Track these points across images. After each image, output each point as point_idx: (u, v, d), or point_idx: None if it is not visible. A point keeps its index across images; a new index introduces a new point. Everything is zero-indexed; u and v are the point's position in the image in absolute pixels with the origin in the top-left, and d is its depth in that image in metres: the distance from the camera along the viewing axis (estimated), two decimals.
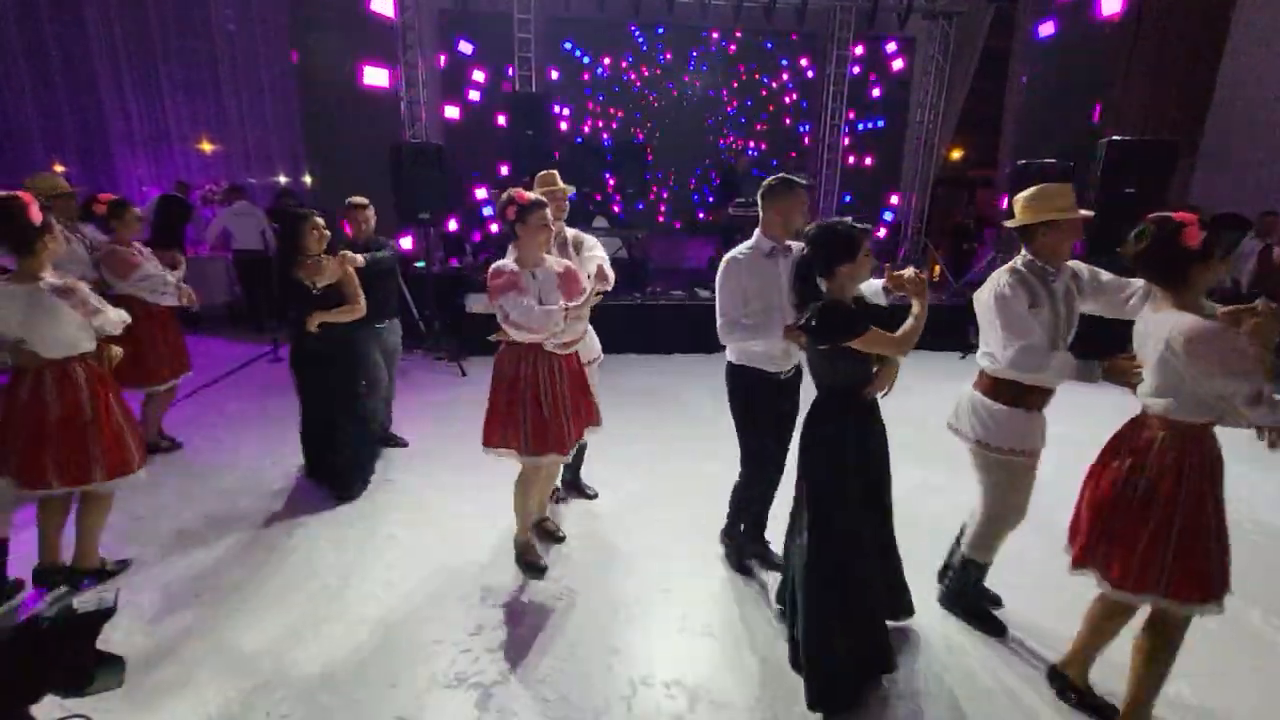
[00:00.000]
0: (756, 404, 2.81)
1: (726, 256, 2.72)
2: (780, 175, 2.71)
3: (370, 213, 4.04)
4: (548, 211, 2.72)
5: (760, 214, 2.73)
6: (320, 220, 3.41)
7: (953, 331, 7.34)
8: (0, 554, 2.69)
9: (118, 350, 2.82)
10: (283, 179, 10.48)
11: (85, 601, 1.04)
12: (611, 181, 9.02)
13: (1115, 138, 6.56)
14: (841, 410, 2.29)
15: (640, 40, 10.04)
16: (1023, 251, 2.43)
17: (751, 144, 10.77)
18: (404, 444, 4.45)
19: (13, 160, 9.07)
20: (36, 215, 2.47)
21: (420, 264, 7.55)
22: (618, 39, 9.93)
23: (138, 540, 3.23)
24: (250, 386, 5.69)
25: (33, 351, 2.52)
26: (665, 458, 4.29)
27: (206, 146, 10.40)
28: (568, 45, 9.85)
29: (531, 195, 2.72)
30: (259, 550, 3.19)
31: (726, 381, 2.87)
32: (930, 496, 3.85)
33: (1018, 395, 2.44)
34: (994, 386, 2.49)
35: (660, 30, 9.86)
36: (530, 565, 3.05)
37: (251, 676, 2.38)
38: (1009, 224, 2.44)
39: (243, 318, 7.69)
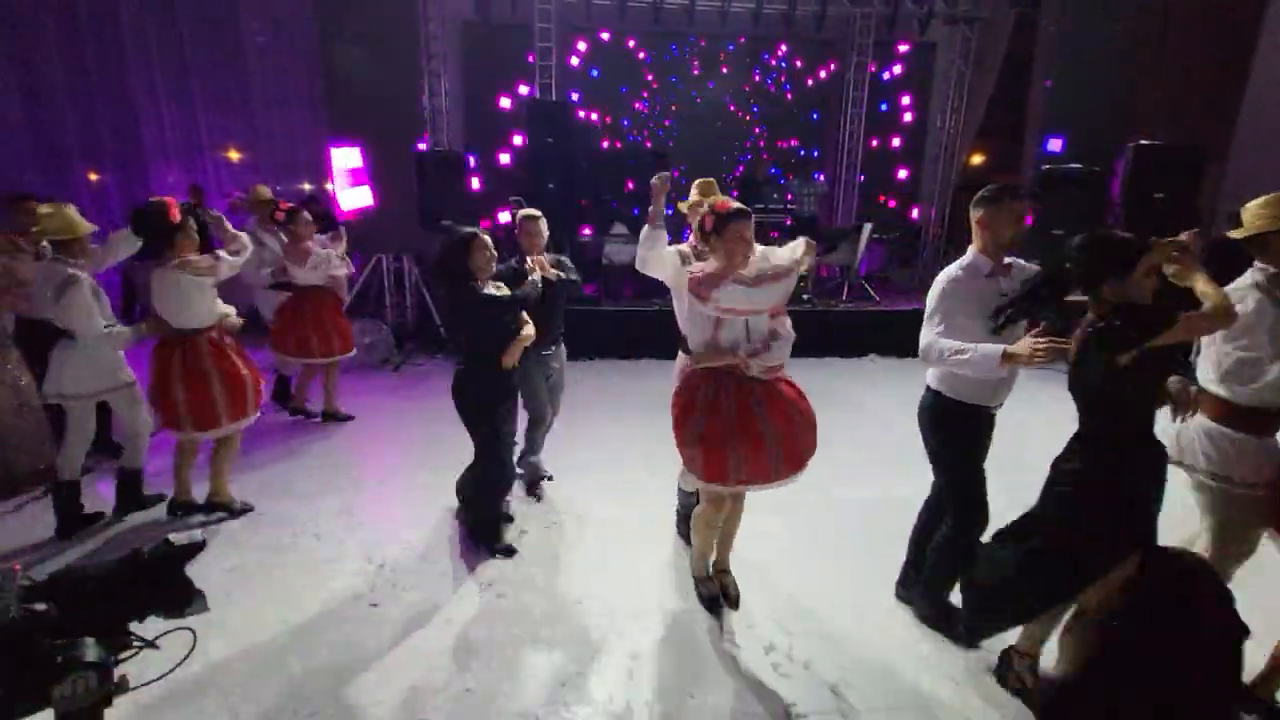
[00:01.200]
0: (975, 443, 2.51)
1: (945, 274, 2.45)
2: (997, 184, 2.44)
3: (544, 224, 3.55)
4: (750, 224, 2.49)
5: (973, 228, 2.45)
6: (488, 238, 3.02)
7: None
8: (137, 480, 3.57)
9: (235, 320, 3.52)
10: (307, 187, 10.70)
11: (179, 537, 1.19)
12: (631, 188, 9.08)
13: (1143, 143, 6.46)
14: (1125, 442, 1.99)
15: (657, 48, 10.10)
16: (1255, 264, 2.24)
17: (772, 149, 10.76)
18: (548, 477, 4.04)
19: (54, 169, 9.37)
20: (175, 215, 3.19)
21: None
22: (637, 45, 10.00)
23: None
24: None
25: (167, 323, 3.27)
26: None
27: (235, 155, 10.66)
28: (584, 49, 9.93)
29: (734, 204, 2.53)
30: (282, 550, 3.25)
31: (929, 418, 2.58)
32: None
33: (1254, 419, 2.17)
34: (1228, 411, 2.22)
35: (670, 41, 9.91)
36: (715, 598, 2.82)
37: (280, 672, 2.42)
38: (1237, 234, 2.26)
39: (263, 326, 7.84)
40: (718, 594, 2.84)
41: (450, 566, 3.14)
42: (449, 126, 8.46)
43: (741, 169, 10.40)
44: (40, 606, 0.87)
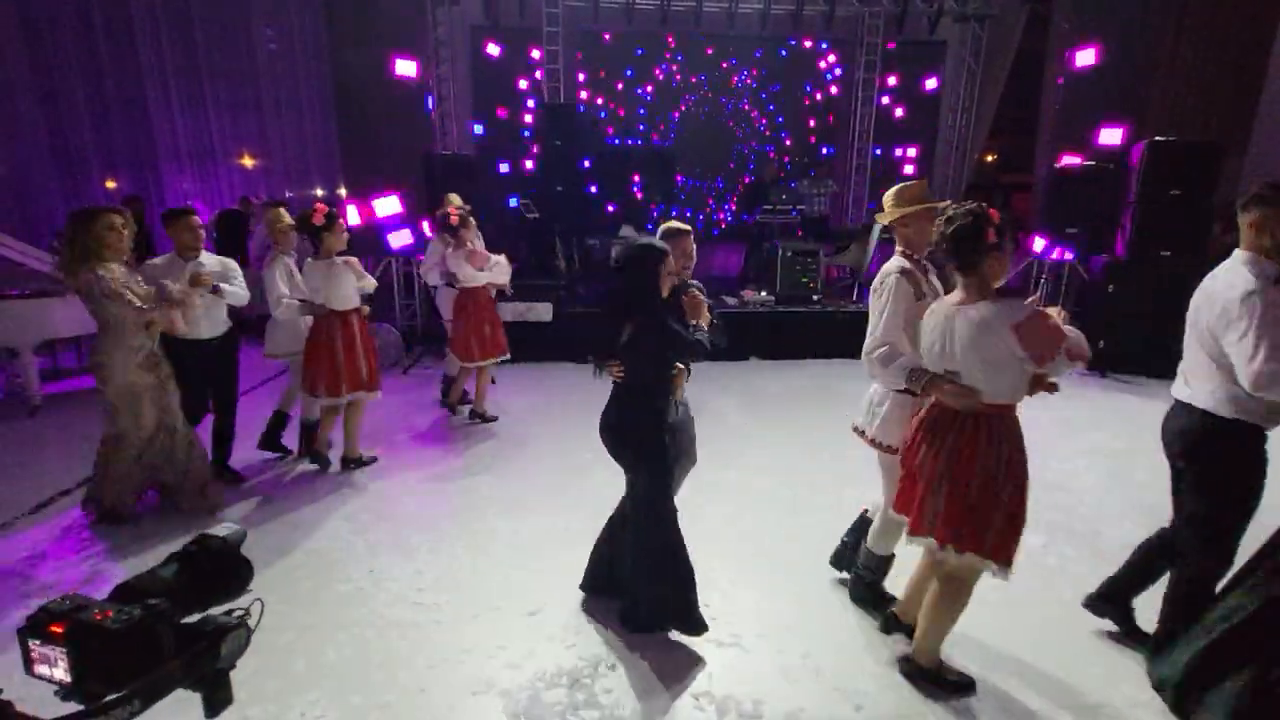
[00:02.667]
0: (1258, 474, 2.18)
1: (1246, 289, 2.07)
2: (1272, 183, 2.18)
3: (691, 240, 3.20)
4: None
5: (1243, 231, 2.22)
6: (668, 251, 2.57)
7: None
8: (280, 424, 4.42)
9: (366, 308, 4.22)
10: (319, 192, 10.81)
11: (220, 530, 1.36)
12: (638, 189, 9.08)
13: (1157, 139, 6.36)
14: None
15: (666, 48, 10.09)
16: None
17: (780, 149, 10.71)
18: None
19: (69, 174, 9.53)
20: (319, 219, 3.93)
21: None
22: (645, 47, 10.00)
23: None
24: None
25: (327, 306, 3.97)
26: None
27: (248, 161, 10.79)
28: (593, 64, 9.96)
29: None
30: (293, 551, 3.27)
31: (1211, 448, 2.22)
32: None
33: None
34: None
35: (679, 39, 9.90)
36: (956, 684, 2.37)
37: (285, 676, 2.43)
38: None
39: None
40: (964, 675, 2.40)
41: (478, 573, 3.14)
42: (458, 130, 8.50)
43: (751, 171, 10.36)
44: (154, 602, 1.04)
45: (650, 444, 2.54)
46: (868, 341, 2.49)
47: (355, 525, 3.55)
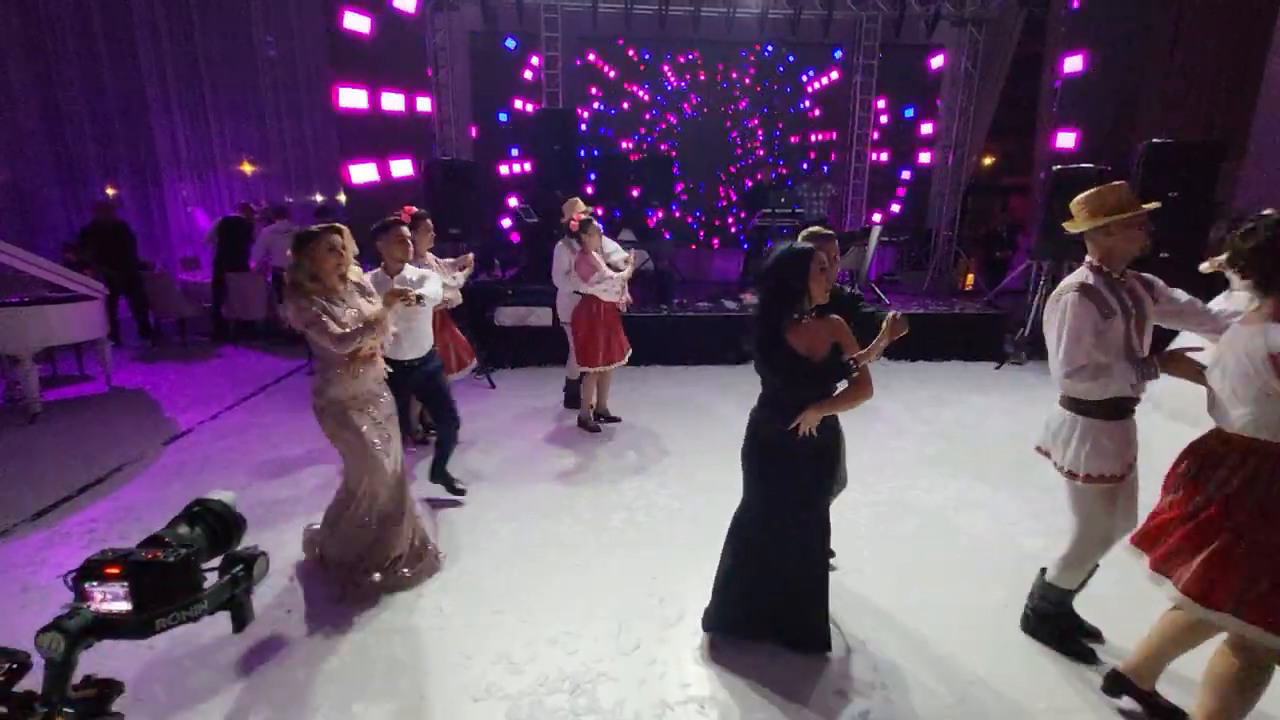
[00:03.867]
0: None
1: None
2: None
3: (835, 245, 3.02)
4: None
5: None
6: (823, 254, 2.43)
7: (988, 342, 7.18)
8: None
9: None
10: (319, 198, 10.84)
11: (215, 493, 1.65)
12: (637, 194, 9.09)
13: (1156, 140, 6.37)
14: None
15: (665, 53, 10.13)
16: None
17: (780, 154, 10.74)
18: None
19: (71, 181, 9.55)
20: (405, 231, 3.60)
21: None
22: (644, 52, 10.04)
23: None
24: (293, 396, 5.84)
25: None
26: (695, 470, 4.27)
27: (248, 168, 10.82)
28: (591, 58, 9.99)
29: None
30: (288, 559, 3.26)
31: None
32: (969, 511, 3.74)
33: None
34: None
35: (677, 48, 9.94)
36: None
37: (287, 684, 2.42)
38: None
39: (278, 332, 7.94)
40: None
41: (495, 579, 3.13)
42: (457, 136, 8.52)
43: (751, 175, 10.38)
44: (190, 544, 1.48)
45: (813, 461, 2.39)
46: (1054, 365, 2.30)
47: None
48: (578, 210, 5.01)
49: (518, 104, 9.61)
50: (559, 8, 8.64)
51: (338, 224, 2.83)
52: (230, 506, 1.60)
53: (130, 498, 3.90)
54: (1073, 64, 7.81)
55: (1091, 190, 2.32)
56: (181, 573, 1.36)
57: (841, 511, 3.71)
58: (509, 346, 6.71)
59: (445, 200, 6.55)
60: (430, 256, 4.25)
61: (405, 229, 3.54)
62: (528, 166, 9.55)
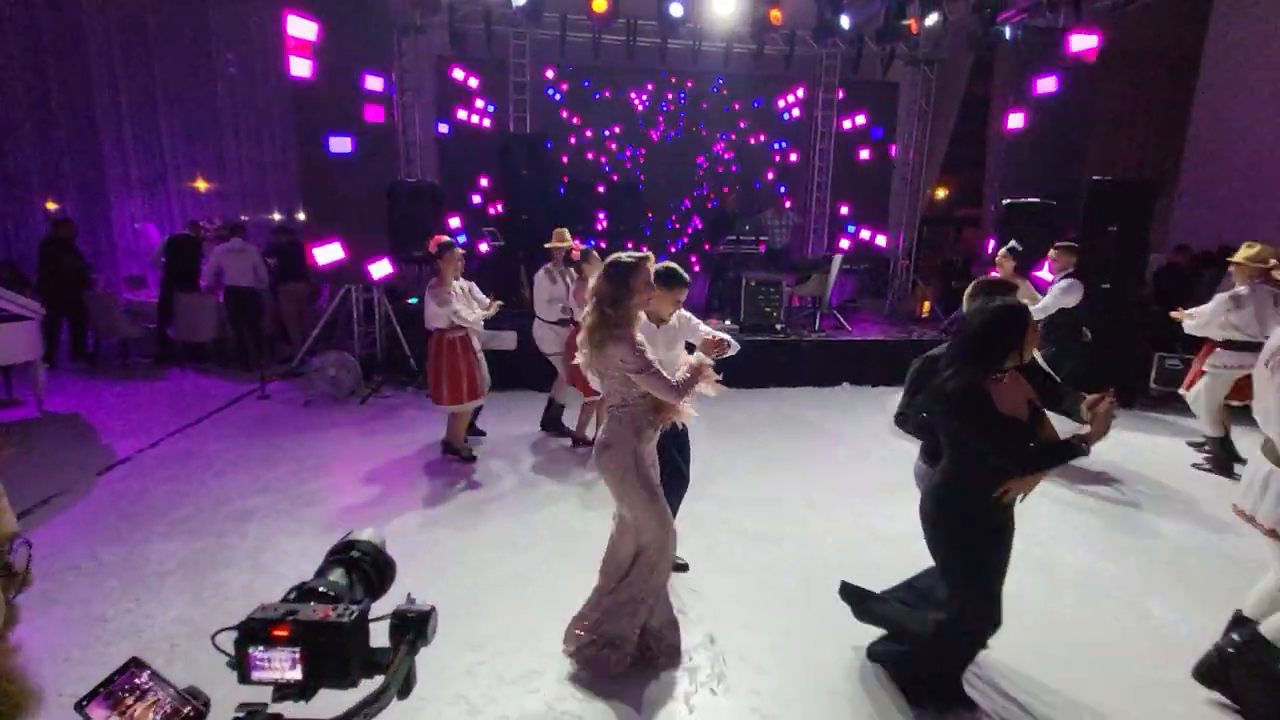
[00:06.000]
0: None
1: None
2: None
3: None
4: None
5: None
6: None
7: None
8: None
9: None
10: (276, 216, 10.56)
11: (365, 532, 1.42)
12: (604, 219, 9.14)
13: (1096, 178, 6.73)
14: None
15: (632, 85, 10.30)
16: None
17: (743, 182, 10.97)
18: None
19: (10, 198, 9.08)
20: (431, 247, 4.41)
21: (413, 300, 7.54)
22: (611, 82, 10.20)
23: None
24: (240, 422, 5.59)
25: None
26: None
27: (201, 185, 10.49)
28: (552, 93, 10.10)
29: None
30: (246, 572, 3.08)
31: None
32: None
33: None
34: None
35: (650, 83, 10.14)
36: None
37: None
38: None
39: (230, 355, 7.63)
40: None
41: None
42: (422, 158, 8.44)
43: (716, 203, 10.56)
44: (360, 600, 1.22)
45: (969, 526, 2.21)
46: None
47: (308, 563, 3.36)
48: (565, 239, 5.03)
49: (461, 114, 9.48)
50: (527, 34, 8.72)
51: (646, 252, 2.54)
52: (382, 550, 1.37)
53: (58, 535, 3.63)
54: (1014, 121, 8.27)
55: None
56: (356, 636, 1.08)
57: (806, 540, 3.72)
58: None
59: (407, 222, 6.45)
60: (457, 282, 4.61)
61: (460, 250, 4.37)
62: (485, 186, 9.50)
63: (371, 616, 1.15)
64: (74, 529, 3.70)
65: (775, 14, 7.27)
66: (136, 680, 0.99)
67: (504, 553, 3.52)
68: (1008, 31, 7.60)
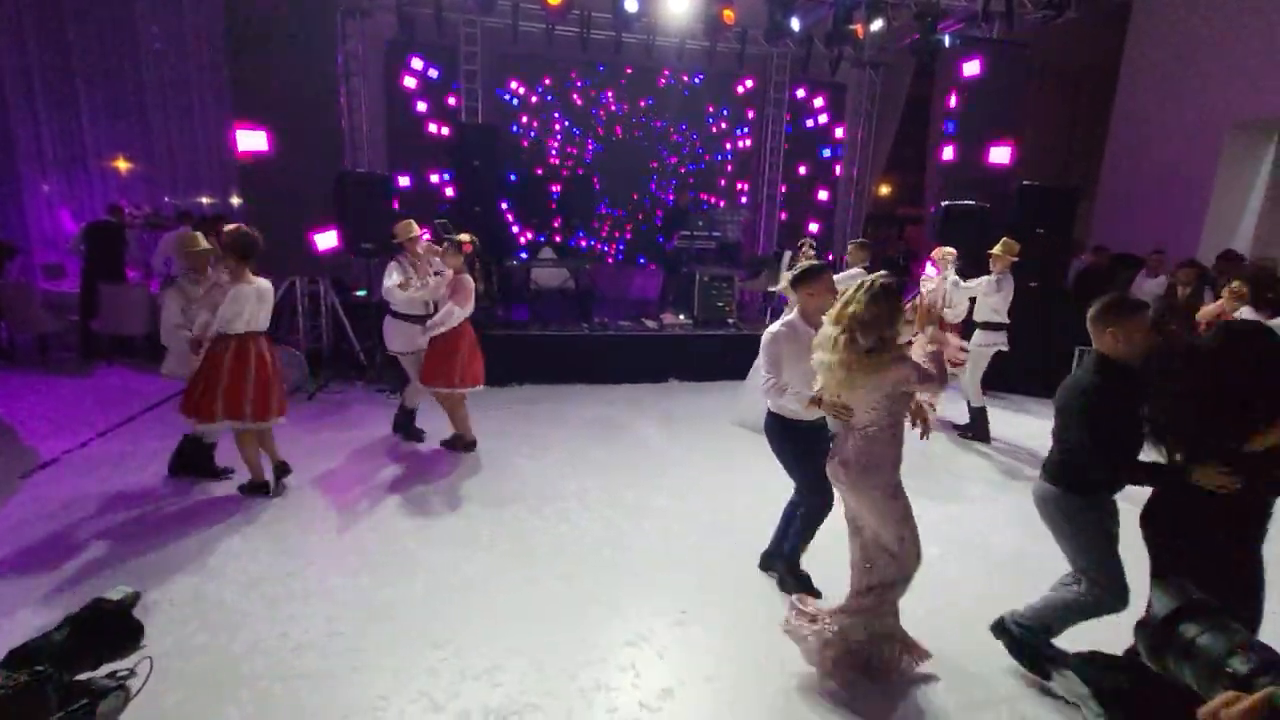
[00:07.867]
0: None
1: None
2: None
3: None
4: None
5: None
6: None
7: None
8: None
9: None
10: (205, 200, 10.01)
11: (113, 594, 1.54)
12: (556, 211, 9.09)
13: (1025, 183, 7.15)
14: None
15: (586, 77, 10.24)
16: None
17: (696, 177, 11.08)
18: None
19: None
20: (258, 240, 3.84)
21: (361, 292, 7.34)
22: (565, 73, 10.10)
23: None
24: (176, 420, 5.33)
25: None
26: (622, 490, 4.29)
27: (124, 165, 9.84)
28: (513, 87, 9.95)
29: None
30: (185, 597, 2.99)
31: None
32: None
33: None
34: None
35: (602, 68, 10.10)
36: None
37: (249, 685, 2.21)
38: None
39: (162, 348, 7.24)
40: None
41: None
42: (370, 147, 8.19)
43: (672, 197, 10.63)
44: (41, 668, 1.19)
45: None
46: None
47: (257, 566, 3.28)
48: (412, 230, 4.89)
49: (418, 106, 9.24)
50: (479, 23, 8.55)
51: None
52: (126, 607, 1.39)
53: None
54: (947, 154, 8.55)
55: None
56: (17, 708, 1.09)
57: (760, 532, 3.87)
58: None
59: (357, 215, 6.27)
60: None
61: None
62: (437, 178, 9.29)
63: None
64: None
65: (728, 14, 7.38)
66: None
67: (462, 552, 3.52)
68: (947, 40, 7.95)
